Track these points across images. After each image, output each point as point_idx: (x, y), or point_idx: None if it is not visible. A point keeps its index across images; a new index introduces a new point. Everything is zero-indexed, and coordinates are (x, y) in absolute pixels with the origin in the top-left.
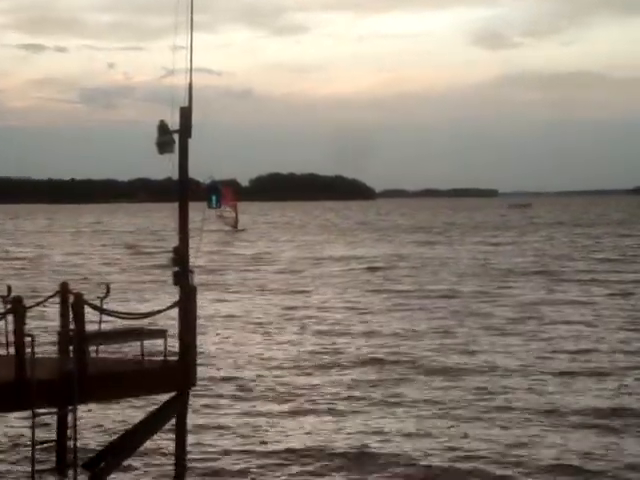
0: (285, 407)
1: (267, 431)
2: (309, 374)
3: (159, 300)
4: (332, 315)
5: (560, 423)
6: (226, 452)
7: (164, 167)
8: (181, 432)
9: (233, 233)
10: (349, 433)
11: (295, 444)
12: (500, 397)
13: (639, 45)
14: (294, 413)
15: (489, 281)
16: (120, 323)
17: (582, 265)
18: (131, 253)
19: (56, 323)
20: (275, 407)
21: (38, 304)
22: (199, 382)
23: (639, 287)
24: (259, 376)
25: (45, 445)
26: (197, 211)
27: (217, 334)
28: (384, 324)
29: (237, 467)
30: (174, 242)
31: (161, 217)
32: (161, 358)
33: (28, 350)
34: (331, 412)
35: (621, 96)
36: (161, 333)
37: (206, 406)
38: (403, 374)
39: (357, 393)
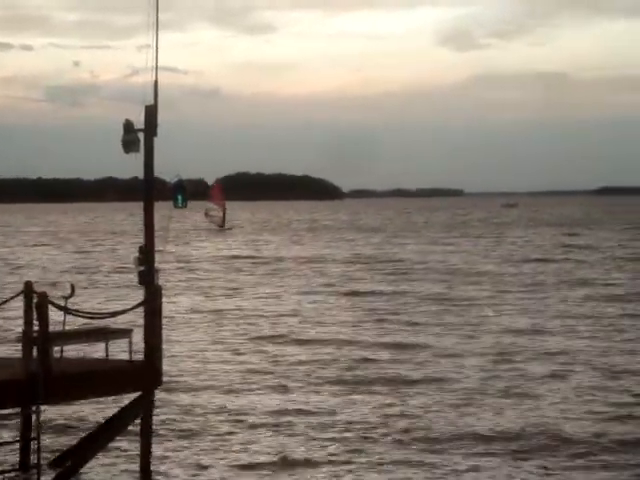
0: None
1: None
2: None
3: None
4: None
5: None
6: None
7: (131, 166)
8: (146, 431)
9: (219, 232)
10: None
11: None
12: None
13: (605, 46)
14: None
15: None
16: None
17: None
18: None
19: (20, 323)
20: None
21: (1, 304)
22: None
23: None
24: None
25: (8, 445)
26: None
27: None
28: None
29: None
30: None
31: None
32: (126, 358)
33: None
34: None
35: (587, 97)
36: (126, 333)
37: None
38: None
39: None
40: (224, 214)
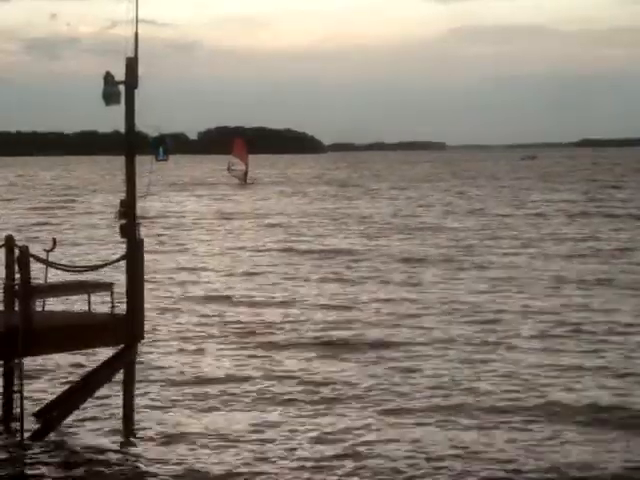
0: None
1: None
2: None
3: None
4: None
5: None
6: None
7: (113, 119)
8: (129, 385)
9: (242, 187)
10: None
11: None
12: None
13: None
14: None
15: None
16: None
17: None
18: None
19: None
20: None
21: None
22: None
23: None
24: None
25: None
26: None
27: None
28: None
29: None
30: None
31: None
32: (108, 311)
33: None
34: None
35: (569, 49)
36: (108, 286)
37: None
38: None
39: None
40: (247, 169)
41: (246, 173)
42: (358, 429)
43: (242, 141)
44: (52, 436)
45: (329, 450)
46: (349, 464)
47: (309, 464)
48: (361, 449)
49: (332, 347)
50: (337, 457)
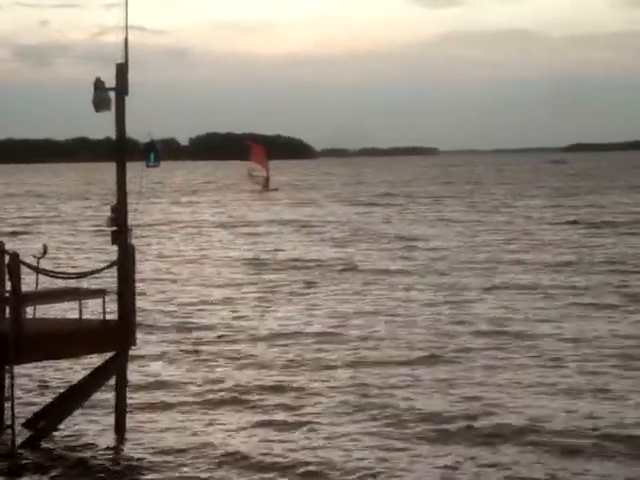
0: None
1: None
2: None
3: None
4: None
5: None
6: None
7: (103, 126)
8: (121, 392)
9: (264, 193)
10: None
11: None
12: None
13: (575, 2)
14: None
15: None
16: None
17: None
18: None
19: None
20: None
21: None
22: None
23: None
24: None
25: None
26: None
27: None
28: None
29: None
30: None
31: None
32: (100, 318)
33: None
34: None
35: (560, 53)
36: (100, 293)
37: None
38: None
39: None
40: (268, 175)
41: (267, 179)
42: None
43: (260, 146)
44: (44, 444)
45: None
46: None
47: None
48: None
49: None
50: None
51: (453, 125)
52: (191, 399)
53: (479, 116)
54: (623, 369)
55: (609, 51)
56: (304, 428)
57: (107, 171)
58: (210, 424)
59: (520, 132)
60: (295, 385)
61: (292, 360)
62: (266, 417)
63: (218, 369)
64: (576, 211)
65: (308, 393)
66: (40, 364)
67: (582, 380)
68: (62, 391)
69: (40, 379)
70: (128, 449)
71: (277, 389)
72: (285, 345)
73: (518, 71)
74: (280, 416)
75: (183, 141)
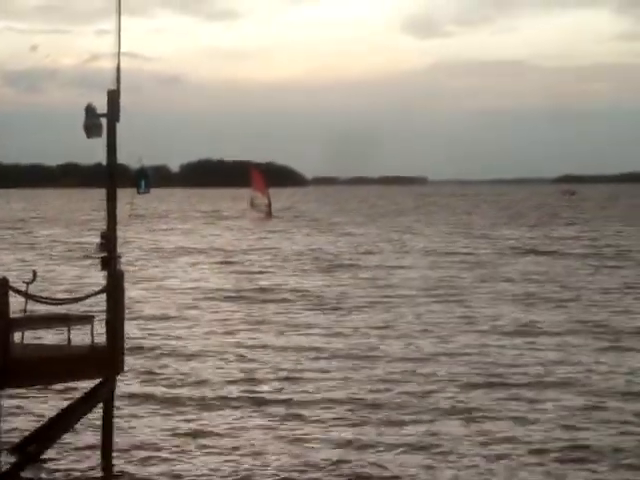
0: None
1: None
2: None
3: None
4: None
5: None
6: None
7: (95, 152)
8: (108, 418)
9: (267, 222)
10: None
11: None
12: None
13: (565, 35)
14: None
15: None
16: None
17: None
18: None
19: None
20: None
21: None
22: None
23: None
24: None
25: None
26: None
27: None
28: None
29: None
30: None
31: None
32: (88, 344)
33: None
34: None
35: (551, 84)
36: (88, 319)
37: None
38: None
39: None
40: (269, 202)
41: (269, 205)
42: None
43: (259, 172)
44: (29, 472)
45: None
46: None
47: None
48: None
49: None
50: None
51: (442, 155)
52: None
53: (468, 146)
54: None
55: (600, 83)
56: None
57: (91, 197)
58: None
59: (509, 163)
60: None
61: None
62: None
63: None
64: None
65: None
66: (28, 390)
67: None
68: (49, 418)
69: (28, 405)
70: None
71: None
72: None
73: (508, 102)
74: None
75: (174, 167)
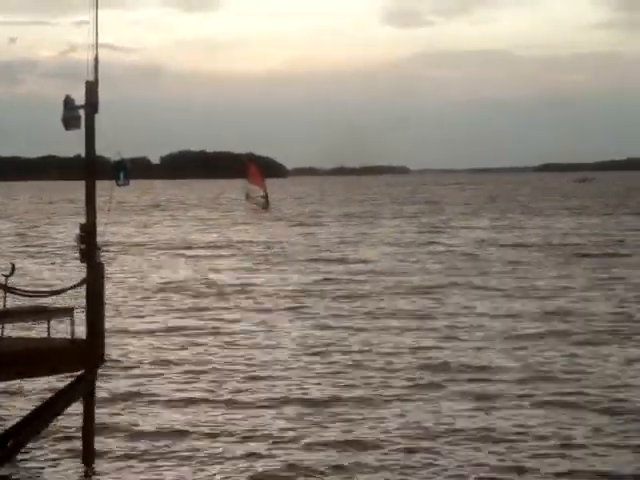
0: None
1: None
2: None
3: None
4: None
5: None
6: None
7: (73, 144)
8: (89, 410)
9: (263, 213)
10: None
11: None
12: None
13: (543, 24)
14: None
15: None
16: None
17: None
18: None
19: None
20: None
21: None
22: None
23: None
24: None
25: None
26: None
27: None
28: None
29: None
30: None
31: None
32: (68, 336)
33: None
34: None
35: (532, 74)
36: (68, 311)
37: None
38: None
39: None
40: (267, 195)
41: (266, 197)
42: None
43: (255, 165)
44: (7, 467)
45: None
46: None
47: None
48: None
49: None
50: None
51: (424, 144)
52: None
53: (450, 136)
54: None
55: (580, 72)
56: None
57: (71, 190)
58: None
59: (491, 152)
60: None
61: None
62: None
63: None
64: None
65: None
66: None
67: None
68: (29, 412)
69: (7, 400)
70: (98, 474)
71: None
72: None
73: (489, 91)
74: None
75: (155, 159)
